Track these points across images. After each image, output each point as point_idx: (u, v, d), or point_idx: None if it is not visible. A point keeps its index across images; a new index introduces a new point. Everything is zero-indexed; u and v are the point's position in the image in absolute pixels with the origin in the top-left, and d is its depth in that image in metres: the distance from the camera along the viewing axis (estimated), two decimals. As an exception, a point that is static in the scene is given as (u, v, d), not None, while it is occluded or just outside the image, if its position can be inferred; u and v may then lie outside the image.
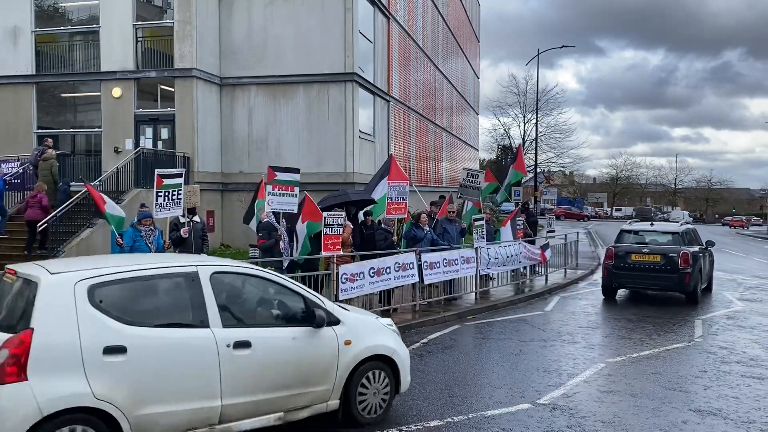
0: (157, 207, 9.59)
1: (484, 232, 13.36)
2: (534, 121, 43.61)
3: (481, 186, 14.52)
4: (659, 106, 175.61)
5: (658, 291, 14.44)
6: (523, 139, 58.43)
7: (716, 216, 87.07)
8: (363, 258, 10.84)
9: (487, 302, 13.19)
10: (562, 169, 72.06)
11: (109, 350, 4.60)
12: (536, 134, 42.54)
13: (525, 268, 15.87)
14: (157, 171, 9.81)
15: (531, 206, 19.97)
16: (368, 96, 21.73)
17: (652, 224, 15.47)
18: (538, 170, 50.77)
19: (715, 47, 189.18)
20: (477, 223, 13.23)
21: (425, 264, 11.69)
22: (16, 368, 4.29)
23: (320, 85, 19.89)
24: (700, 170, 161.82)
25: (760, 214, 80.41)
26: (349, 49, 19.60)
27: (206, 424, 5.02)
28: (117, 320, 4.72)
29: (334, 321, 5.88)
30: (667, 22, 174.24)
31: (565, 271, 18.30)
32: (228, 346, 5.11)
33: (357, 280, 10.21)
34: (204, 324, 5.09)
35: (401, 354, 6.34)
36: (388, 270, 10.78)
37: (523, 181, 23.53)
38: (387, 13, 23.39)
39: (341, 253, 10.12)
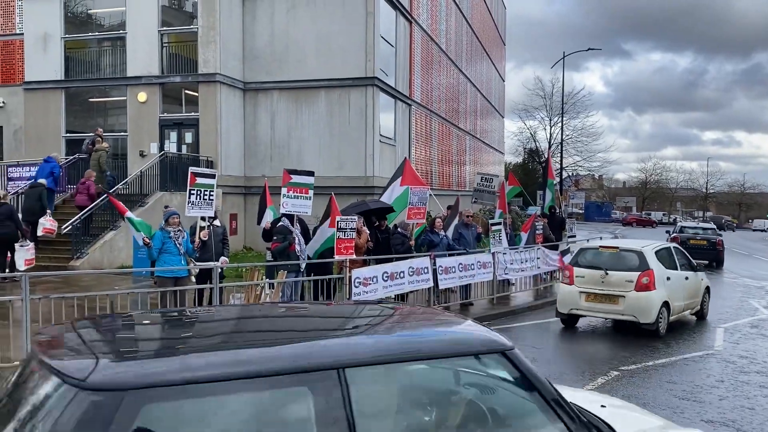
0: (190, 204, 9.61)
1: (501, 237, 13.27)
2: (560, 124, 43.15)
3: (495, 190, 14.43)
4: (689, 109, 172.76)
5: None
6: (550, 142, 57.90)
7: (749, 221, 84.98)
8: (377, 262, 10.86)
9: (505, 308, 13.10)
10: (590, 172, 71.20)
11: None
12: (561, 137, 42.12)
13: (546, 273, 15.73)
14: (191, 169, 9.88)
15: (557, 210, 19.75)
16: (389, 100, 21.76)
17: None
18: (565, 174, 50.31)
19: (745, 48, 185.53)
20: (494, 228, 13.16)
21: (440, 268, 11.66)
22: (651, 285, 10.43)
23: (341, 90, 19.99)
24: (732, 174, 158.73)
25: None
26: (371, 53, 19.66)
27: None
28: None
29: None
30: (695, 24, 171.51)
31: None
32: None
33: (370, 284, 10.22)
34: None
35: None
36: (401, 274, 10.78)
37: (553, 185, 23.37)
38: (409, 17, 23.42)
39: (354, 257, 10.14)
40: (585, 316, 11.41)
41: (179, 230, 9.16)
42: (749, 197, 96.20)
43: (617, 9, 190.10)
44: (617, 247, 11.48)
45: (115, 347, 2.80)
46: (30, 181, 16.13)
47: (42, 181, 15.38)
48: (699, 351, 9.79)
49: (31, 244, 12.97)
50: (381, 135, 20.69)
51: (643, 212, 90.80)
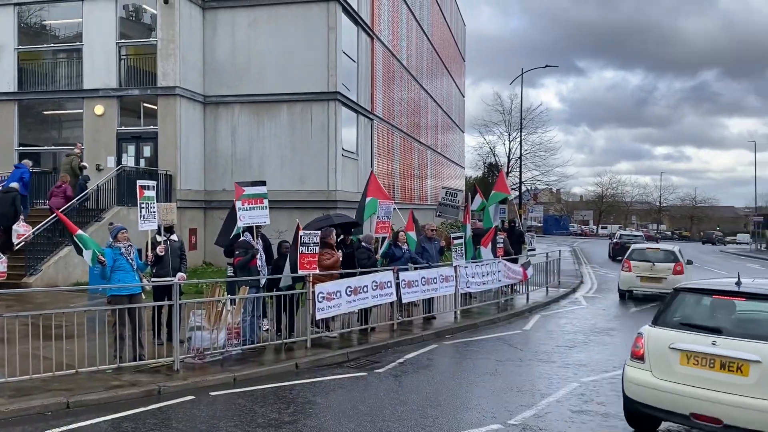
0: (141, 219, 9.45)
1: (464, 251, 13.40)
2: (519, 139, 43.94)
3: (460, 204, 14.61)
4: (641, 125, 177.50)
5: None
6: (509, 157, 58.82)
7: (701, 234, 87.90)
8: (341, 276, 10.83)
9: (467, 321, 13.20)
10: (548, 186, 72.56)
11: None
12: (521, 152, 42.84)
13: (507, 286, 15.92)
14: (138, 182, 9.73)
15: (517, 224, 20.04)
16: (351, 114, 21.84)
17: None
18: (524, 188, 51.15)
19: (692, 67, 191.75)
20: (456, 242, 13.28)
21: (403, 282, 11.70)
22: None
23: (303, 104, 19.98)
24: (683, 188, 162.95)
25: (745, 231, 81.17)
26: (333, 68, 19.73)
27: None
28: None
29: None
30: (645, 44, 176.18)
31: (547, 290, 18.36)
32: None
33: (334, 299, 10.19)
34: None
35: None
36: (365, 289, 10.77)
37: (510, 199, 23.64)
38: (371, 33, 23.60)
39: (318, 272, 10.10)
40: (640, 290, 18.09)
41: (130, 246, 8.83)
42: (700, 210, 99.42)
43: (571, 27, 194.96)
44: (658, 248, 19.57)
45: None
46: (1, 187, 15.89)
47: (14, 185, 15.19)
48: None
49: (5, 258, 12.74)
50: (343, 149, 20.72)
51: (600, 225, 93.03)
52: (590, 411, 7.30)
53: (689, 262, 18.63)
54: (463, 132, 51.95)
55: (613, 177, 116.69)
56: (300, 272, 9.85)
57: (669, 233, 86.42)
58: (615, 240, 38.35)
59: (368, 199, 13.04)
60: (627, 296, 18.10)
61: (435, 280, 12.46)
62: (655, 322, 6.49)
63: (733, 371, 5.67)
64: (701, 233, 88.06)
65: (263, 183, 10.69)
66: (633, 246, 20.32)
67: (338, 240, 11.80)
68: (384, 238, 12.71)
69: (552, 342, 11.57)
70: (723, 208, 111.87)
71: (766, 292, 6.20)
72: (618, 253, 35.55)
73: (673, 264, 17.70)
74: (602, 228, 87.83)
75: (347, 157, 21.24)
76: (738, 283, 6.36)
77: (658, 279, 17.54)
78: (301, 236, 9.81)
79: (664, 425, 6.68)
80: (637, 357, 6.33)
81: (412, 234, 12.90)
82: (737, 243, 74.45)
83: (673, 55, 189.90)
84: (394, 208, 13.56)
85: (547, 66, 39.71)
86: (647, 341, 6.32)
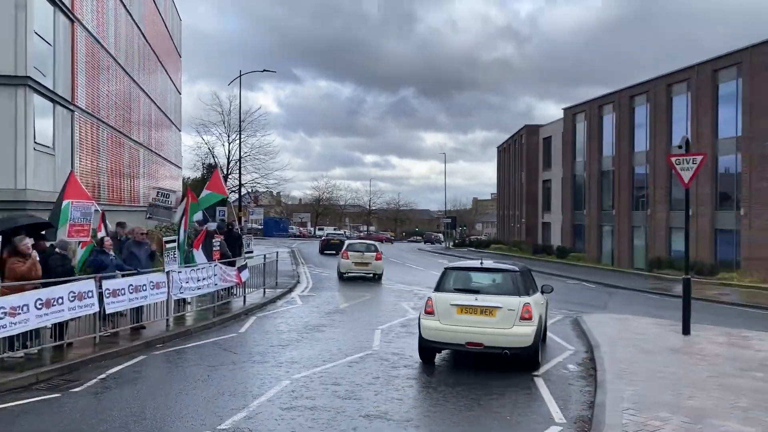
0: None
1: (176, 255, 12.83)
2: (238, 141, 43.76)
3: (173, 206, 13.95)
4: (352, 134, 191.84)
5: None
6: (228, 158, 58.18)
7: (403, 234, 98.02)
8: (34, 287, 9.49)
9: (181, 328, 12.67)
10: (268, 189, 73.60)
11: None
12: (240, 154, 42.76)
13: (225, 290, 15.69)
14: None
15: (236, 227, 19.83)
16: (47, 104, 19.34)
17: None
18: (244, 191, 51.12)
19: (395, 84, 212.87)
20: (168, 246, 12.66)
21: (107, 292, 10.74)
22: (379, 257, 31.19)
23: (-16, 89, 17.04)
24: (389, 193, 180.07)
25: (438, 231, 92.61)
26: (22, 49, 17.23)
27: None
28: None
29: None
30: (354, 58, 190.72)
31: (264, 291, 18.61)
32: None
33: (19, 314, 8.89)
34: None
35: None
36: (60, 300, 9.61)
37: (229, 201, 23.25)
38: (71, 16, 21.22)
39: (8, 283, 8.72)
40: (353, 274, 24.73)
41: None
42: (403, 213, 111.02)
43: (288, 35, 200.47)
44: (365, 242, 27.00)
45: None
46: None
47: None
48: (361, 352, 10.84)
49: None
50: (36, 143, 18.22)
51: (317, 227, 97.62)
52: (299, 406, 7.56)
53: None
54: (180, 131, 49.85)
55: (328, 181, 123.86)
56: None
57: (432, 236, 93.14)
58: (323, 238, 50.24)
59: (65, 201, 11.67)
60: (343, 276, 25.05)
61: (144, 287, 11.68)
62: (437, 289, 10.14)
63: (487, 314, 9.49)
64: (403, 233, 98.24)
65: None
66: (348, 241, 28.39)
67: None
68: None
69: (266, 342, 11.73)
70: (421, 211, 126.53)
71: (496, 267, 10.57)
72: (325, 248, 44.85)
73: (375, 253, 25.05)
74: (319, 229, 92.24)
75: (42, 152, 18.74)
76: (482, 263, 10.64)
77: (366, 264, 24.68)
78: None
79: (443, 355, 10.55)
80: (429, 312, 9.77)
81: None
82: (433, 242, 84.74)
83: (378, 70, 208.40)
84: (96, 210, 12.38)
85: (265, 70, 40.25)
86: (435, 302, 9.82)
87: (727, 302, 22.10)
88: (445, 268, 10.69)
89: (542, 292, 11.18)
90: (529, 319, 9.43)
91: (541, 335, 10.06)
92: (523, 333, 9.33)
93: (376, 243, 26.20)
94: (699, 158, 12.97)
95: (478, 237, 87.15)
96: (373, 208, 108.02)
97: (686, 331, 12.94)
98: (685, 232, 13.90)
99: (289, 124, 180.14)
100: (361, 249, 25.33)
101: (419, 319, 9.96)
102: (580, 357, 11.02)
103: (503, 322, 9.35)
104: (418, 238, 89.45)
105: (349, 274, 24.70)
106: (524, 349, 9.35)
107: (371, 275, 24.93)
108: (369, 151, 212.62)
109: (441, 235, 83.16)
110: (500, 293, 9.78)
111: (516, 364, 9.70)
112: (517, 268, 10.43)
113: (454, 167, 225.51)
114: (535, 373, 9.49)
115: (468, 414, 7.42)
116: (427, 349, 9.87)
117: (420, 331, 9.80)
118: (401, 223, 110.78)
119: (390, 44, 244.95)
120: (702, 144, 31.65)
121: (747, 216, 29.92)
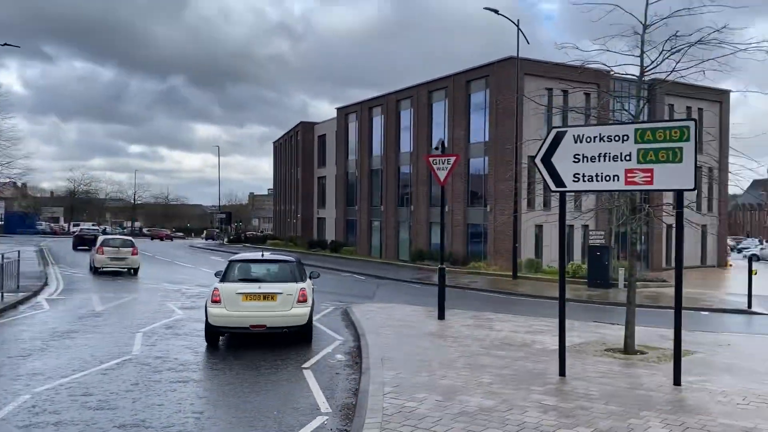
0: None
1: None
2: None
3: None
4: (115, 121, 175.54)
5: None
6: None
7: (173, 230, 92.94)
8: None
9: None
10: (11, 180, 64.48)
11: None
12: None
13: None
14: None
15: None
16: None
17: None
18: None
19: (163, 71, 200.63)
20: None
21: None
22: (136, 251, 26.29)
23: None
24: (158, 186, 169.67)
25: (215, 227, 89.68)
26: None
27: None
28: None
29: None
30: (116, 39, 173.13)
31: (2, 296, 16.29)
32: None
33: None
34: None
35: None
36: None
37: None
38: None
39: None
40: (109, 268, 25.15)
41: None
42: (173, 208, 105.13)
43: (36, 7, 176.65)
44: (120, 238, 28.33)
45: None
46: None
47: None
48: (118, 358, 9.95)
49: None
50: None
51: (72, 222, 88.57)
52: (40, 423, 6.66)
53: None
54: None
55: (86, 172, 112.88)
56: None
57: (144, 230, 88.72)
58: (77, 233, 49.46)
59: None
60: (97, 271, 25.27)
61: None
62: (223, 280, 11.24)
63: (269, 300, 10.90)
64: (173, 229, 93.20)
65: None
66: (102, 237, 28.28)
67: None
68: None
69: (3, 353, 10.20)
70: (193, 206, 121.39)
71: (276, 258, 12.24)
72: (78, 243, 44.04)
73: (131, 248, 25.53)
74: (75, 225, 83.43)
75: None
76: (262, 255, 12.25)
77: (122, 259, 25.25)
78: None
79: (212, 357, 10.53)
80: (216, 301, 10.81)
81: None
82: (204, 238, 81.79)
83: (144, 55, 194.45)
84: None
85: (6, 44, 35.09)
86: (222, 291, 10.88)
87: (476, 288, 24.67)
88: (230, 261, 11.83)
89: (311, 278, 12.88)
90: (305, 301, 11.09)
91: (313, 314, 11.82)
92: (300, 313, 10.99)
93: (132, 238, 28.06)
94: (452, 159, 14.27)
95: (255, 232, 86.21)
96: (139, 201, 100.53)
97: (441, 316, 14.17)
98: (441, 226, 15.24)
99: (37, 107, 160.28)
100: (117, 244, 25.87)
101: (206, 307, 10.97)
102: (348, 346, 11.42)
103: (283, 305, 10.85)
104: (193, 234, 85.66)
105: (105, 269, 25.28)
106: (301, 327, 11.09)
107: (127, 269, 25.74)
108: (134, 141, 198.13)
109: (215, 230, 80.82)
110: (280, 281, 11.26)
111: (288, 359, 9.71)
112: (293, 259, 12.21)
113: (229, 161, 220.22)
114: (304, 366, 9.60)
115: (236, 414, 7.21)
116: (213, 333, 11.05)
117: (207, 319, 10.88)
118: (171, 219, 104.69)
119: (158, 29, 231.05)
120: (458, 147, 34.94)
121: (492, 212, 33.76)
